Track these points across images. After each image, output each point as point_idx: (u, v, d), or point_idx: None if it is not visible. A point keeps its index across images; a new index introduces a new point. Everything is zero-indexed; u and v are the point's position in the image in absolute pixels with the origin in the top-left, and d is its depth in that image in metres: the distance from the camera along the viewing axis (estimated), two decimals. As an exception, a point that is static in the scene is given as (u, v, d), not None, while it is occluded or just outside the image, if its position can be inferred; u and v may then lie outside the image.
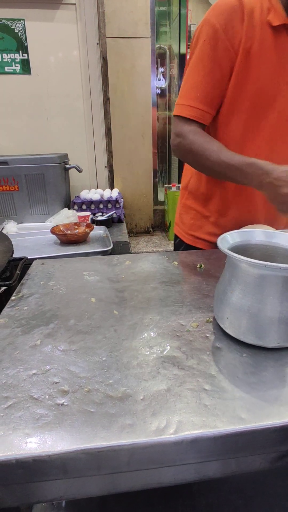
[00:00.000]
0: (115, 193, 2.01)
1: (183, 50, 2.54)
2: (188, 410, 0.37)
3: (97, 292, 0.65)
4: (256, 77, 0.76)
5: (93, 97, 2.13)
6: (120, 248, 1.53)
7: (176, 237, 1.05)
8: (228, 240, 0.52)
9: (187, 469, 0.38)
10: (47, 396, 0.39)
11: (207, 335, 0.51)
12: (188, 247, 0.99)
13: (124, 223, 1.90)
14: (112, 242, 1.43)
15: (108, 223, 1.77)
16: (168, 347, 0.48)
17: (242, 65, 0.75)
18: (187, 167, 0.99)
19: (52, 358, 0.46)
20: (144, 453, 0.34)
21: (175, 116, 0.82)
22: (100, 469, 0.34)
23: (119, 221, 1.89)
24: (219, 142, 0.78)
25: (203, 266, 0.77)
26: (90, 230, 1.51)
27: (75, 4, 1.95)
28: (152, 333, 0.51)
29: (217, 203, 0.92)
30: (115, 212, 1.85)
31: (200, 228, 0.96)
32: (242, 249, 0.54)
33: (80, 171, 1.90)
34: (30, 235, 1.60)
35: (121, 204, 1.98)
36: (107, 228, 1.67)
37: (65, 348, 0.48)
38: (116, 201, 1.90)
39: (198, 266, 0.78)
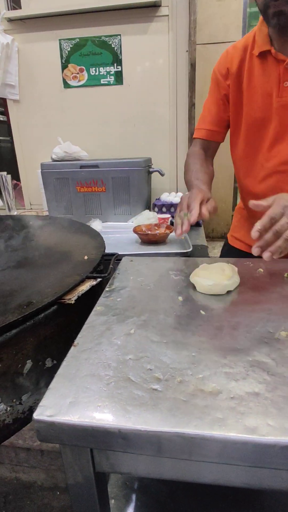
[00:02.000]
0: (194, 197, 2.02)
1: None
2: (281, 416, 0.37)
3: (183, 291, 0.68)
4: (247, 103, 0.90)
5: (178, 104, 2.18)
6: (199, 252, 1.54)
7: (226, 238, 1.24)
8: None
9: (276, 475, 0.38)
10: (142, 380, 0.43)
11: (299, 345, 0.50)
12: (229, 247, 1.18)
13: (202, 227, 1.90)
14: (191, 245, 1.45)
15: (186, 227, 1.78)
16: (256, 352, 0.48)
17: (235, 96, 0.92)
18: None
19: (145, 347, 0.50)
20: (235, 448, 0.35)
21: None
22: (192, 455, 0.36)
23: (197, 225, 1.89)
24: (201, 164, 0.99)
25: (291, 275, 0.75)
26: (170, 232, 1.55)
27: (168, 15, 2.03)
28: (239, 336, 0.52)
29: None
30: (193, 216, 1.86)
31: (242, 229, 1.12)
32: None
33: (162, 174, 1.97)
34: (113, 233, 1.71)
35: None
36: (172, 224, 1.69)
37: (156, 340, 0.51)
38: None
39: (286, 275, 0.75)
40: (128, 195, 1.85)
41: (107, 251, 0.88)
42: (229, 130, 1.03)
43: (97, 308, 0.62)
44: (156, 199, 2.02)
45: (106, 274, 0.72)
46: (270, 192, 0.83)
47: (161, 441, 0.36)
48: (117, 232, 1.71)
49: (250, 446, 0.35)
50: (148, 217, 1.77)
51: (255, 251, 0.65)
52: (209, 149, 1.05)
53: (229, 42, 2.02)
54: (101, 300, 0.65)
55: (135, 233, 1.55)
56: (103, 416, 0.38)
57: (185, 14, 2.04)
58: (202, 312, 0.59)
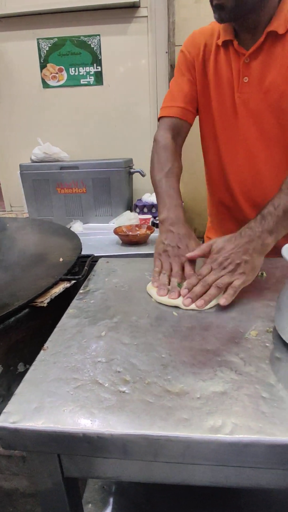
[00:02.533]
0: (175, 197, 2.03)
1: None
2: (245, 414, 0.38)
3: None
4: (215, 93, 0.84)
5: (159, 105, 2.19)
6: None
7: (203, 240, 1.18)
8: (294, 249, 0.51)
9: (241, 473, 0.38)
10: (110, 383, 0.43)
11: (267, 344, 0.50)
12: None
13: (183, 228, 1.91)
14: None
15: (167, 227, 1.79)
16: (226, 352, 0.49)
17: (202, 85, 0.86)
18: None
19: (115, 350, 0.50)
20: (199, 448, 0.35)
21: (158, 119, 0.93)
22: (157, 456, 0.36)
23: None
24: (170, 163, 0.85)
25: (265, 274, 0.76)
26: (151, 233, 1.55)
27: (146, 16, 2.03)
28: (210, 337, 0.52)
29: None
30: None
31: (217, 231, 1.10)
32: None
33: (143, 175, 1.97)
34: (95, 234, 1.71)
35: (181, 208, 2.00)
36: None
37: (127, 342, 0.51)
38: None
39: (260, 274, 0.76)
40: (109, 196, 1.85)
41: (87, 252, 0.88)
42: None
43: (70, 310, 0.61)
44: (138, 200, 2.03)
45: (80, 276, 0.71)
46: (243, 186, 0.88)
47: (126, 444, 0.36)
48: (98, 233, 1.70)
49: (213, 445, 0.35)
50: (129, 218, 1.77)
51: (186, 302, 0.61)
52: (180, 134, 0.91)
53: (208, 44, 2.04)
54: (74, 302, 0.65)
55: (115, 234, 1.54)
56: (68, 420, 0.37)
57: (163, 15, 2.04)
58: (175, 314, 0.60)
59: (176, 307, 0.62)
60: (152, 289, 0.67)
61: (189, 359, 0.47)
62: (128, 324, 0.56)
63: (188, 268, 0.69)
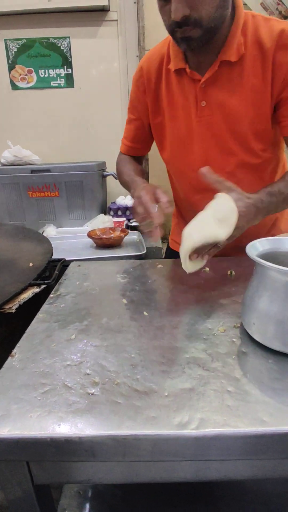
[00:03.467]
0: (149, 199, 2.05)
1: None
2: (211, 409, 0.39)
3: (128, 293, 0.68)
4: (170, 120, 0.86)
5: (131, 107, 2.20)
6: (153, 254, 1.56)
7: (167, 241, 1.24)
8: (257, 247, 0.53)
9: (208, 466, 0.39)
10: (79, 386, 0.42)
11: (234, 339, 0.52)
12: (171, 251, 1.16)
13: (158, 230, 1.93)
14: (146, 247, 1.46)
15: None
16: (194, 349, 0.50)
17: (155, 113, 0.88)
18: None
19: (85, 352, 0.49)
20: (167, 445, 0.36)
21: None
22: (125, 455, 0.36)
23: (153, 227, 1.92)
24: (130, 165, 0.99)
25: (233, 272, 0.78)
26: (125, 235, 1.55)
27: (116, 20, 2.04)
28: (179, 335, 0.53)
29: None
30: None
31: (178, 234, 1.08)
32: (272, 257, 0.54)
33: (116, 178, 1.97)
34: (68, 238, 1.68)
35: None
36: (141, 233, 1.70)
37: (97, 344, 0.51)
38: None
39: (229, 272, 0.78)
40: (82, 199, 1.83)
41: (60, 257, 0.86)
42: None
43: (39, 315, 0.61)
44: (112, 203, 2.02)
45: (50, 281, 0.70)
46: (206, 202, 0.78)
47: (94, 446, 0.36)
48: (72, 237, 1.68)
49: (180, 441, 0.36)
50: (103, 221, 1.77)
51: None
52: (136, 159, 1.04)
53: (177, 49, 2.08)
54: (44, 307, 0.64)
55: (89, 237, 1.53)
56: (34, 426, 0.37)
57: (133, 19, 2.06)
58: (145, 314, 0.60)
59: (147, 306, 0.62)
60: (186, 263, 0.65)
61: (158, 357, 0.48)
62: (98, 326, 0.56)
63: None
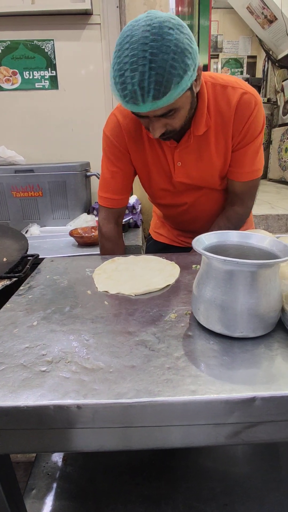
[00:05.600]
0: (132, 199, 2.10)
1: (205, 62, 2.62)
2: (149, 382, 0.43)
3: (94, 285, 0.73)
4: (154, 175, 0.95)
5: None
6: (133, 251, 1.61)
7: (149, 233, 1.33)
8: (203, 240, 0.58)
9: (149, 434, 0.44)
10: (33, 364, 0.47)
11: (182, 324, 0.57)
12: (154, 241, 1.27)
13: (141, 229, 1.98)
14: (126, 245, 1.51)
15: (124, 228, 1.85)
16: (144, 333, 0.54)
17: (141, 165, 0.95)
18: None
19: (44, 336, 0.54)
20: (105, 413, 0.41)
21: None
22: (70, 423, 0.41)
23: (136, 226, 1.97)
24: (118, 248, 1.07)
25: (198, 266, 0.83)
26: (98, 232, 1.60)
27: (99, 23, 2.09)
28: (133, 321, 0.58)
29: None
30: (131, 218, 1.94)
31: (163, 227, 1.23)
32: (220, 249, 0.59)
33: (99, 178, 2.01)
34: (51, 237, 1.72)
35: (138, 210, 2.07)
36: (124, 232, 1.75)
37: (56, 329, 0.56)
38: (133, 207, 1.98)
39: (194, 266, 0.83)
40: (65, 199, 1.87)
41: (44, 255, 0.91)
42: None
43: (7, 305, 0.65)
44: (95, 202, 2.06)
45: (21, 274, 0.74)
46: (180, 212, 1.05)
47: (41, 415, 0.40)
48: (55, 236, 1.72)
49: (117, 408, 0.40)
50: (86, 220, 1.81)
51: None
52: (120, 216, 1.07)
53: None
54: (13, 298, 0.68)
55: (71, 236, 1.57)
56: (-12, 398, 0.41)
57: (116, 23, 2.11)
58: (106, 303, 0.65)
59: (109, 296, 0.67)
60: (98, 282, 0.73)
61: (110, 340, 0.52)
62: (61, 314, 0.61)
63: None
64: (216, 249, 0.59)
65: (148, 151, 0.92)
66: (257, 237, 0.59)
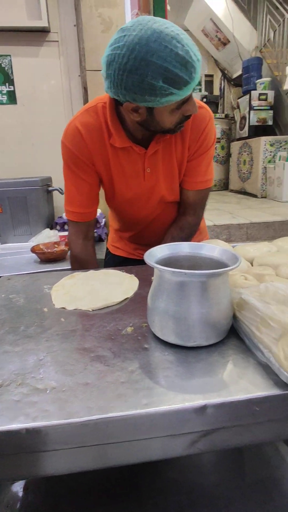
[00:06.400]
0: (96, 213, 2.10)
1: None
2: (102, 398, 0.43)
3: (51, 303, 0.71)
4: (119, 185, 0.97)
5: (76, 124, 2.26)
6: (98, 266, 1.60)
7: (106, 248, 1.34)
8: (155, 253, 0.59)
9: (102, 453, 0.43)
10: (-18, 389, 0.45)
11: (139, 337, 0.57)
12: (112, 255, 1.27)
13: (105, 242, 1.97)
14: (89, 259, 1.50)
15: (89, 242, 1.84)
16: (101, 348, 0.54)
17: (106, 177, 0.96)
18: None
19: (-5, 359, 0.52)
20: (56, 434, 0.39)
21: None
22: (18, 448, 0.39)
23: (100, 240, 1.97)
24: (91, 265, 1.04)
25: (156, 278, 0.84)
26: (69, 249, 1.58)
27: (58, 41, 2.12)
28: (89, 337, 0.57)
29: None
30: (95, 232, 1.93)
31: (120, 241, 1.24)
32: (172, 261, 0.61)
33: (62, 193, 1.99)
34: (12, 254, 1.67)
35: (102, 224, 2.07)
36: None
37: (8, 350, 0.54)
38: (97, 221, 1.98)
39: (153, 278, 0.84)
40: (27, 215, 1.83)
41: (3, 273, 0.88)
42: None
43: None
44: (58, 217, 2.04)
45: (-27, 294, 0.71)
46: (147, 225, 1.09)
47: (-13, 442, 0.38)
48: (16, 253, 1.68)
49: (69, 428, 0.39)
50: (48, 236, 1.78)
51: None
52: (89, 227, 1.05)
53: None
54: None
55: (33, 252, 1.54)
56: None
57: (74, 41, 2.15)
58: (62, 320, 0.64)
59: (66, 313, 0.66)
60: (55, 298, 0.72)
61: (64, 358, 0.51)
62: (15, 334, 0.59)
63: None
64: (169, 261, 0.60)
65: (112, 161, 0.93)
66: (207, 248, 0.62)
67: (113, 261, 1.26)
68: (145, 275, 0.85)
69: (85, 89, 2.16)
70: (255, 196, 3.91)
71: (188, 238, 1.05)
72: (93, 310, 0.67)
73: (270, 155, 3.75)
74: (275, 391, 0.43)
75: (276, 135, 4.02)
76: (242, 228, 2.46)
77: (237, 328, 0.57)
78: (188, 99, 0.78)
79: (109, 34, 2.13)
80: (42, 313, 0.67)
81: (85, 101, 2.20)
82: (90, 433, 0.40)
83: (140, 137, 0.90)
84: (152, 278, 0.84)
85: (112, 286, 0.77)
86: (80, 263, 1.05)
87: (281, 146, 3.73)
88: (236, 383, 0.46)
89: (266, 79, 3.97)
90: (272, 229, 2.42)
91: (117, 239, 1.25)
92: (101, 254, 1.74)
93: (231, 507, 0.69)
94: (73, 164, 0.92)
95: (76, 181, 0.94)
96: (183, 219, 1.06)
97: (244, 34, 4.25)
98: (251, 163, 4.00)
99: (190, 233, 1.06)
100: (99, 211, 2.14)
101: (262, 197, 3.79)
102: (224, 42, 4.82)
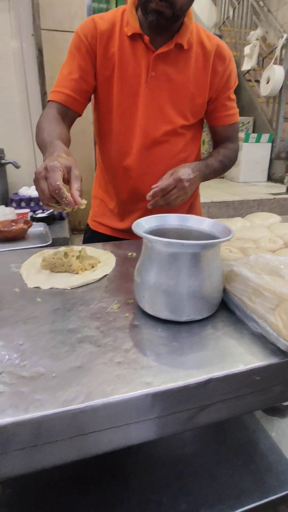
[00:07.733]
0: (56, 190, 1.97)
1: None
2: (99, 381, 0.39)
3: (22, 282, 0.64)
4: (119, 81, 0.88)
5: (29, 91, 2.06)
6: (60, 245, 1.51)
7: (87, 225, 1.17)
8: (142, 224, 0.55)
9: (101, 437, 0.39)
10: None
11: (127, 315, 0.53)
12: (93, 232, 1.11)
13: (67, 220, 1.87)
14: (52, 238, 1.40)
15: (49, 220, 1.72)
16: (87, 328, 0.49)
17: (105, 72, 0.87)
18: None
19: None
20: (53, 425, 0.35)
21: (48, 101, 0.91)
22: (8, 444, 0.34)
23: (61, 218, 1.86)
24: (57, 124, 0.83)
25: (134, 254, 0.80)
26: (28, 227, 1.46)
27: (6, -7, 1.88)
28: (72, 317, 0.52)
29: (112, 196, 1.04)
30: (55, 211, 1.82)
31: (103, 215, 1.09)
32: (159, 233, 0.57)
33: (17, 167, 1.83)
34: None
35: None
36: (48, 225, 1.63)
37: (-20, 337, 0.47)
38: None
39: (130, 254, 0.80)
40: (-23, 189, 1.66)
41: None
42: (92, 105, 0.96)
43: None
44: (14, 194, 1.88)
45: None
46: (141, 164, 0.93)
47: None
48: None
49: (66, 417, 0.35)
50: (4, 213, 1.63)
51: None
52: (67, 116, 0.89)
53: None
54: None
55: (-12, 231, 1.40)
56: None
57: (25, -5, 1.92)
58: (38, 300, 0.57)
59: (42, 292, 0.60)
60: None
61: (48, 342, 0.46)
62: (-15, 318, 0.52)
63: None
64: (156, 233, 0.56)
65: (118, 53, 0.86)
66: (195, 219, 0.59)
67: (93, 239, 1.10)
68: (120, 252, 0.81)
69: (39, 51, 1.96)
70: (212, 176, 3.97)
71: (233, 159, 1.01)
72: (71, 289, 0.62)
73: (228, 135, 3.80)
74: (275, 360, 0.43)
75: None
76: (204, 207, 2.48)
77: (227, 300, 0.55)
78: None
79: (64, -10, 1.94)
80: (14, 293, 0.60)
81: (40, 65, 2.01)
82: (90, 420, 0.36)
83: (151, 38, 0.84)
84: (129, 254, 0.81)
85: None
86: (52, 127, 0.82)
87: (239, 128, 3.80)
88: (234, 354, 0.45)
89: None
90: (232, 208, 2.48)
91: (100, 213, 1.09)
92: (63, 233, 1.65)
93: (215, 472, 0.71)
94: (76, 48, 0.88)
95: (73, 65, 0.88)
96: (222, 146, 1.01)
97: (203, 9, 4.17)
98: (210, 143, 4.03)
99: (235, 154, 1.03)
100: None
101: (219, 177, 3.87)
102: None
